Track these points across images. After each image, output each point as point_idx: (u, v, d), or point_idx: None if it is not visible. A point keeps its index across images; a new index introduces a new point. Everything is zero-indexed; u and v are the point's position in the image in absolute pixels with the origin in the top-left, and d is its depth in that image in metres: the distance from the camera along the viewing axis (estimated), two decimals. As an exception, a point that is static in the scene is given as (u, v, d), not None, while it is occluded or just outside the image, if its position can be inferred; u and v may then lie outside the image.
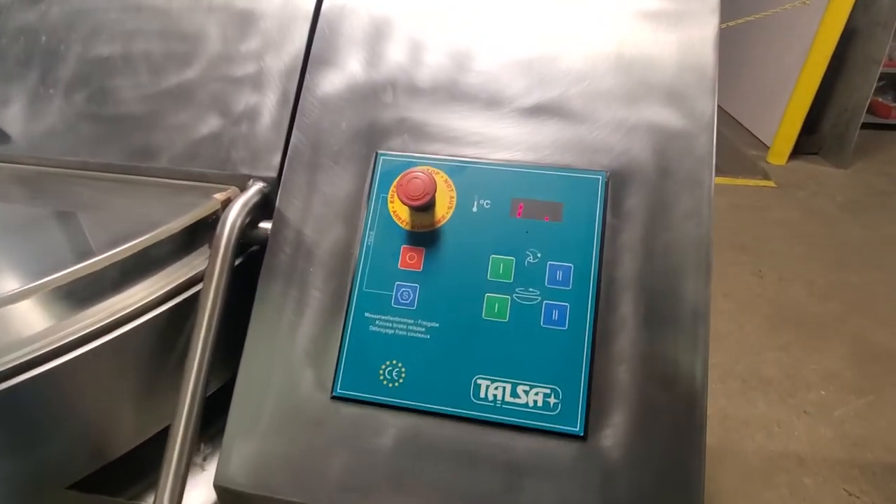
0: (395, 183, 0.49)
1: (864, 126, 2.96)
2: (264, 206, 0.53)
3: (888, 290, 2.11)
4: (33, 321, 0.41)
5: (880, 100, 3.29)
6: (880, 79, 2.84)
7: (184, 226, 0.50)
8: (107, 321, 0.44)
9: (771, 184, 2.91)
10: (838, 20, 2.70)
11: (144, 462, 0.52)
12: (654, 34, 0.51)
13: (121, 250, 0.46)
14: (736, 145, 3.26)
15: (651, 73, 0.50)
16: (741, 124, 3.54)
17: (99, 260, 0.44)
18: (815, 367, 1.76)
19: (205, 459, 0.56)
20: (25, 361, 0.40)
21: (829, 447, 1.52)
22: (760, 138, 3.33)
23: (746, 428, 1.56)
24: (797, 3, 2.59)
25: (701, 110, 0.48)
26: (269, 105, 0.55)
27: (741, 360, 1.78)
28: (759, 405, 1.63)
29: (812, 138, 3.15)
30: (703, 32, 0.51)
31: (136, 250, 0.47)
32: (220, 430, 0.51)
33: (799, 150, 3.11)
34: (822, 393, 1.68)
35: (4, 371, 0.39)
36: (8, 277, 0.43)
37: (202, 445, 0.56)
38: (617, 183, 0.48)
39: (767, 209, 2.67)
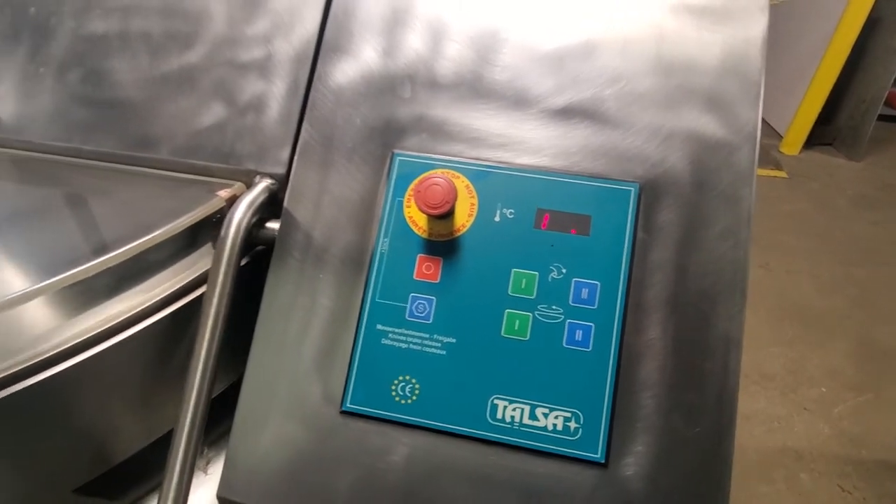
0: (411, 187, 0.46)
1: (879, 118, 2.88)
2: (271, 204, 0.50)
3: (892, 288, 2.09)
4: (33, 326, 0.39)
5: (897, 91, 3.20)
6: (899, 70, 2.76)
7: (187, 225, 0.47)
8: (109, 325, 0.42)
9: (783, 174, 2.86)
10: (863, 7, 2.61)
11: (148, 466, 0.51)
12: (698, 33, 0.47)
13: (124, 251, 0.43)
14: (747, 132, 3.19)
15: (692, 77, 0.46)
16: (754, 111, 3.46)
17: (103, 261, 0.41)
18: (817, 364, 1.76)
19: (208, 463, 0.54)
20: (26, 367, 0.38)
21: (827, 444, 1.53)
22: (774, 127, 3.26)
23: (747, 422, 1.57)
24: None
25: (744, 120, 0.45)
26: (277, 94, 0.51)
27: (745, 355, 1.76)
28: (760, 400, 1.63)
29: (826, 129, 3.08)
30: (750, 32, 0.47)
31: (138, 251, 0.44)
32: (225, 433, 0.50)
33: (812, 141, 3.04)
34: (823, 390, 1.68)
35: (4, 377, 0.37)
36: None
37: (206, 449, 0.55)
38: (649, 195, 0.45)
39: (778, 200, 2.63)
